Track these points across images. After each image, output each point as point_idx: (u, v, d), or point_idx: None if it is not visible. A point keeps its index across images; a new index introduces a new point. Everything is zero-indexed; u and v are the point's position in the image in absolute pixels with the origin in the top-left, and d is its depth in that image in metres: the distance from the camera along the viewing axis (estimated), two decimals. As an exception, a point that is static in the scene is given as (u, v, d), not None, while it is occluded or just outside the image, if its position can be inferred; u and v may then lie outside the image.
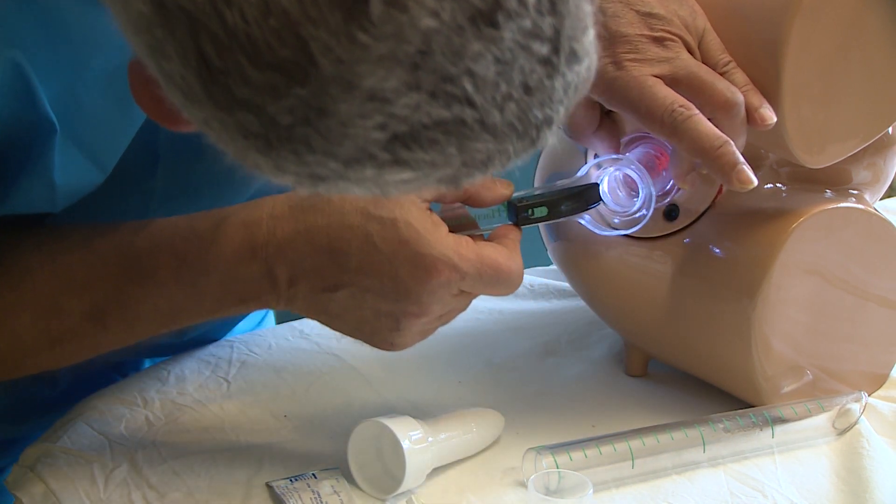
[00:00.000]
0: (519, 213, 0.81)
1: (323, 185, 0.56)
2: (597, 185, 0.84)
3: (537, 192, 0.83)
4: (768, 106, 0.81)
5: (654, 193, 0.84)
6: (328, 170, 0.54)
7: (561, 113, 0.57)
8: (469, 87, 0.52)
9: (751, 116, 0.80)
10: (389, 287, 0.76)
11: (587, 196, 0.83)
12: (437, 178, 0.56)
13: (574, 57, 0.54)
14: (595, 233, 0.90)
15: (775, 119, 0.80)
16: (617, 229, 0.89)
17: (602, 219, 0.89)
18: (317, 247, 0.76)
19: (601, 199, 0.84)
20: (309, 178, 0.55)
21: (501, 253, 0.79)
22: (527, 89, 0.54)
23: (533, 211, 0.82)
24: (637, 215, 0.86)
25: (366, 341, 0.81)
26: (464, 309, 0.83)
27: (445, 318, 0.82)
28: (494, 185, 0.81)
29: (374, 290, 0.77)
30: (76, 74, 0.74)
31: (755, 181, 0.78)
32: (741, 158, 0.78)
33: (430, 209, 0.78)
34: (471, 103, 0.53)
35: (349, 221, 0.76)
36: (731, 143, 0.78)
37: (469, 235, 0.79)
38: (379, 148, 0.53)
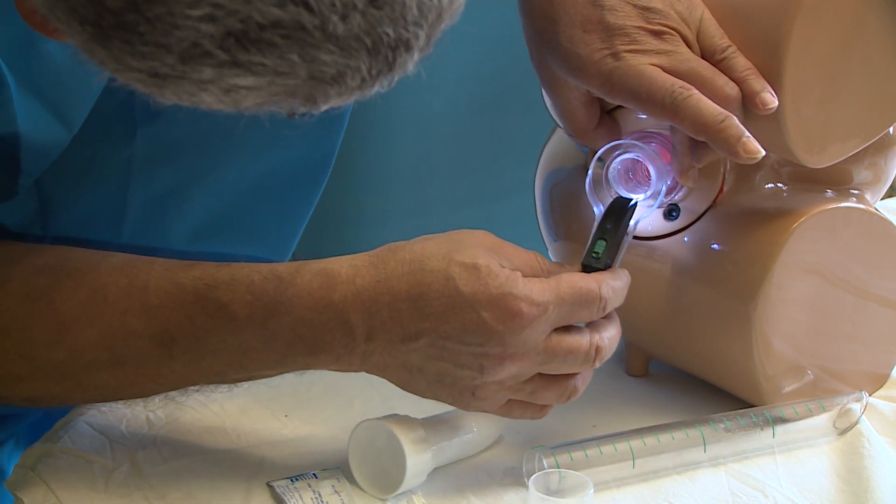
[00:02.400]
0: (590, 264, 0.81)
1: (168, 88, 0.56)
2: (619, 196, 0.83)
3: (588, 244, 0.82)
4: (770, 90, 0.80)
5: (663, 164, 0.83)
6: (166, 66, 0.55)
7: (421, 38, 0.57)
8: None
9: (752, 101, 0.80)
10: (472, 330, 0.75)
11: (619, 204, 0.83)
12: (288, 91, 0.57)
13: None
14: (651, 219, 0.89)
15: (776, 103, 0.80)
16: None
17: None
18: (397, 295, 0.75)
19: (632, 200, 0.83)
20: (151, 76, 0.56)
21: (576, 275, 0.78)
22: (373, 1, 0.54)
23: (596, 252, 0.81)
24: (657, 189, 0.84)
25: (446, 396, 0.78)
26: (566, 370, 0.78)
27: (542, 386, 0.78)
28: (564, 268, 0.80)
29: (455, 337, 0.75)
30: None
31: (762, 151, 0.78)
32: (745, 131, 0.78)
33: None
34: (307, 6, 0.53)
35: (430, 266, 0.75)
36: (734, 117, 0.78)
37: None
38: (214, 44, 0.54)
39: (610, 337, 0.79)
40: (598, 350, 0.78)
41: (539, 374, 0.78)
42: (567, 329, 0.78)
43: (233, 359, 0.78)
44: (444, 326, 0.75)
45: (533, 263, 0.78)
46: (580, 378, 0.80)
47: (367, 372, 0.79)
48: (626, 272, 0.81)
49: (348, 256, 0.78)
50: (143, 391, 0.82)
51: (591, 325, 0.79)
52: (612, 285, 0.78)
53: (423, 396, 0.79)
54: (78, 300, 0.79)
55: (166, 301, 0.78)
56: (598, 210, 0.84)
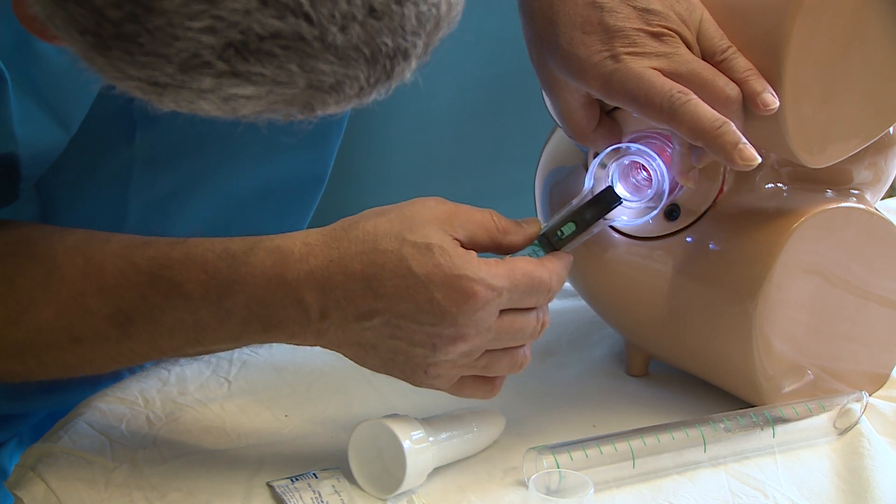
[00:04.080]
0: (550, 238, 0.82)
1: (167, 96, 0.57)
2: (610, 186, 0.84)
3: (559, 215, 0.83)
4: (771, 91, 0.80)
5: (665, 170, 0.83)
6: (166, 76, 0.55)
7: (418, 46, 0.58)
8: None
9: (752, 102, 0.80)
10: (426, 310, 0.75)
11: (606, 198, 0.83)
12: (286, 100, 0.57)
13: None
14: (637, 224, 0.89)
15: (777, 104, 0.80)
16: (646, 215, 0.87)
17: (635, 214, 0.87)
18: (350, 274, 0.76)
19: (620, 199, 0.83)
20: (150, 84, 0.56)
21: (530, 262, 0.79)
22: (372, 12, 0.55)
23: (562, 231, 0.82)
24: (659, 193, 0.84)
25: (400, 374, 0.79)
26: (515, 344, 0.80)
27: (494, 359, 0.80)
28: (521, 227, 0.81)
29: (409, 316, 0.76)
30: None
31: (758, 158, 0.78)
32: (742, 137, 0.78)
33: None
34: (307, 17, 0.54)
35: (383, 247, 0.76)
36: (731, 123, 0.78)
37: None
38: (214, 55, 0.54)
39: (547, 310, 0.81)
40: (543, 324, 0.80)
41: (489, 349, 0.79)
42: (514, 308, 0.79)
43: (189, 336, 0.79)
44: (398, 306, 0.76)
45: (489, 224, 0.79)
46: (527, 347, 0.81)
47: (322, 347, 0.79)
48: (571, 258, 0.82)
49: (302, 233, 0.78)
50: (102, 368, 0.83)
51: None
52: (561, 274, 0.80)
53: (376, 372, 0.80)
54: (36, 280, 0.80)
55: (122, 281, 0.78)
56: (588, 186, 0.84)
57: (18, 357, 0.82)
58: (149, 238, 0.80)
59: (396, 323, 0.76)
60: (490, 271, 0.76)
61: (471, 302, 0.75)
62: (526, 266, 0.78)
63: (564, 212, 0.83)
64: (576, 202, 0.83)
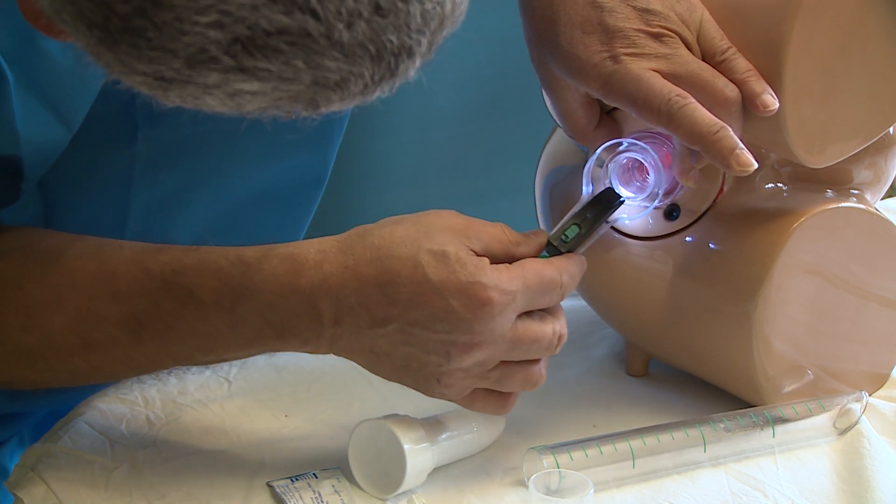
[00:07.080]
0: (555, 242, 0.81)
1: (173, 91, 0.57)
2: (610, 187, 0.84)
3: (561, 222, 0.83)
4: (770, 92, 0.80)
5: (661, 164, 0.83)
6: (172, 70, 0.55)
7: (423, 44, 0.58)
8: None
9: (752, 103, 0.80)
10: (440, 318, 0.75)
11: (606, 197, 0.83)
12: (291, 96, 0.58)
13: None
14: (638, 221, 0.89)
15: (777, 105, 0.80)
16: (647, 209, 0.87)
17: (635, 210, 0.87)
18: (364, 281, 0.75)
19: (620, 197, 0.83)
20: (156, 79, 0.56)
21: (538, 261, 0.78)
22: (377, 9, 0.55)
23: (566, 235, 0.82)
24: (657, 189, 0.85)
25: (412, 382, 0.79)
26: (531, 357, 0.79)
27: (508, 372, 0.79)
28: (530, 238, 0.80)
29: (423, 324, 0.75)
30: None
31: (755, 164, 0.78)
32: (739, 143, 0.78)
33: None
34: (314, 14, 0.54)
35: (399, 253, 0.75)
36: (729, 128, 0.78)
37: None
38: (220, 50, 0.54)
39: (564, 324, 0.80)
40: (560, 338, 0.79)
41: (504, 361, 0.79)
42: (530, 317, 0.78)
43: (201, 343, 0.79)
44: (412, 313, 0.75)
45: (501, 237, 0.79)
46: (543, 364, 0.80)
47: (335, 354, 0.79)
48: (584, 259, 0.82)
49: (316, 241, 0.78)
50: (114, 375, 0.83)
51: (551, 313, 0.80)
52: (572, 272, 0.80)
53: (388, 380, 0.80)
54: (47, 285, 0.79)
55: (134, 287, 0.78)
56: (587, 191, 0.84)
57: (30, 363, 0.81)
58: (162, 245, 0.80)
59: (410, 330, 0.76)
60: (502, 276, 0.76)
61: (487, 308, 0.75)
62: (535, 265, 0.78)
63: (566, 217, 0.83)
64: (577, 207, 0.83)
